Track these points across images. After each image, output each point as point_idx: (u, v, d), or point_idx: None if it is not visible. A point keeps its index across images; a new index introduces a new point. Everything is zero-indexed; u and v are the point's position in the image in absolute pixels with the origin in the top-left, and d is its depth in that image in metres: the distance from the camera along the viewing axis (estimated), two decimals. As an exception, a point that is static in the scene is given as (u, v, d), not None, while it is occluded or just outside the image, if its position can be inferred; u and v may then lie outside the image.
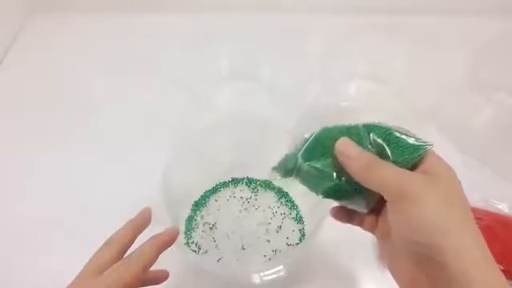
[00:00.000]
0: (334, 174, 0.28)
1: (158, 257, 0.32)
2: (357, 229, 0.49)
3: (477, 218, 0.48)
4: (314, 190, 0.31)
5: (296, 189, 0.50)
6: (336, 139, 0.28)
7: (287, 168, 0.31)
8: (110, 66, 0.67)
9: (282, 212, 0.49)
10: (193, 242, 0.46)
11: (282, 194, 0.50)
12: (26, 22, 0.75)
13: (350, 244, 0.47)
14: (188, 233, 0.47)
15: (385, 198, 0.27)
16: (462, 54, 0.64)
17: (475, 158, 0.54)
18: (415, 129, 0.59)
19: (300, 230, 0.47)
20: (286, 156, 0.32)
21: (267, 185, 0.51)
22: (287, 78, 0.64)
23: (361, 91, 0.62)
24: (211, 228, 0.48)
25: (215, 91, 0.63)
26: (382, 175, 0.26)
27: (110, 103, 0.62)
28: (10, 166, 0.56)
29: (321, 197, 0.30)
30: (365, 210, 0.30)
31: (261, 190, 0.51)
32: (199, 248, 0.46)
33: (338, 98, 0.61)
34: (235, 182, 0.52)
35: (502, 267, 0.44)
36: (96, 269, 0.31)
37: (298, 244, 0.46)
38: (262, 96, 0.62)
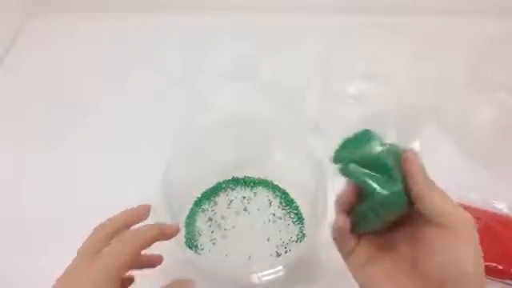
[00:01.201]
0: (400, 177, 0.29)
1: (153, 242, 0.32)
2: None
3: (476, 218, 0.49)
4: (367, 184, 0.30)
5: (297, 188, 0.50)
6: (400, 153, 0.30)
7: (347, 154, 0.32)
8: (110, 66, 0.67)
9: (282, 212, 0.49)
10: (192, 242, 0.46)
11: (282, 194, 0.50)
12: (25, 22, 0.75)
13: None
14: (188, 232, 0.47)
15: (433, 217, 0.28)
16: (462, 53, 0.64)
17: (475, 158, 0.55)
18: (415, 128, 0.59)
19: (300, 230, 0.47)
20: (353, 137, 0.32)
21: (267, 184, 0.51)
22: (287, 78, 0.64)
23: (361, 91, 0.62)
24: (211, 228, 0.48)
25: (215, 91, 0.63)
26: (443, 194, 0.29)
27: (110, 103, 0.62)
28: (10, 165, 0.56)
29: (371, 192, 0.30)
30: (379, 226, 0.31)
31: (261, 190, 0.51)
32: (199, 248, 0.46)
33: (338, 97, 0.61)
34: (235, 181, 0.52)
35: (500, 267, 0.45)
36: (93, 250, 0.31)
37: (297, 244, 0.46)
38: (261, 96, 0.62)
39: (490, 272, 0.44)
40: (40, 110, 0.62)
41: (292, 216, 0.49)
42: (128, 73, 0.66)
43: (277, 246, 0.46)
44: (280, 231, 0.47)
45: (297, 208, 0.49)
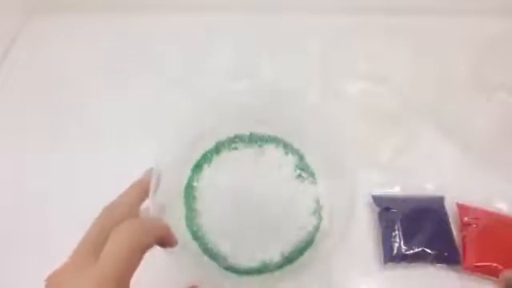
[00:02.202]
0: None
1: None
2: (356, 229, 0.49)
3: (476, 218, 0.49)
4: None
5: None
6: None
7: None
8: (110, 65, 0.67)
9: (296, 174, 0.43)
10: (192, 221, 0.41)
11: (295, 153, 0.44)
12: (26, 22, 0.75)
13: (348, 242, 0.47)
14: (187, 209, 0.42)
15: None
16: (463, 53, 0.64)
17: (475, 158, 0.55)
18: (415, 129, 0.59)
19: (316, 200, 0.41)
20: None
21: (278, 142, 0.45)
22: (287, 78, 0.64)
23: (361, 91, 0.62)
24: (212, 197, 0.42)
25: (215, 91, 0.63)
26: None
27: (110, 103, 0.62)
28: (10, 165, 0.56)
29: None
30: None
31: (270, 149, 0.44)
32: (200, 227, 0.41)
33: (338, 97, 0.61)
34: (239, 138, 0.45)
35: (501, 267, 0.45)
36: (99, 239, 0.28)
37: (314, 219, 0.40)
38: (261, 96, 0.62)
39: (490, 272, 0.44)
40: (40, 109, 0.62)
41: (306, 178, 0.43)
42: (128, 73, 0.65)
43: (294, 221, 0.41)
44: (292, 202, 0.41)
45: (309, 168, 0.43)
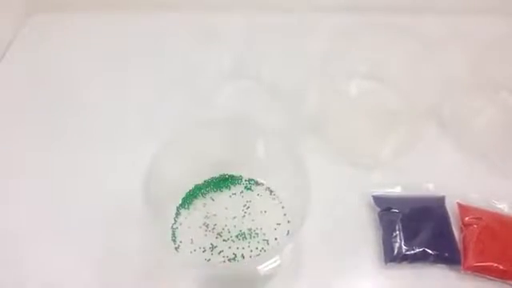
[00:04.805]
0: None
1: None
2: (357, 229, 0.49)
3: (477, 218, 0.49)
4: None
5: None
6: None
7: None
8: (110, 65, 0.67)
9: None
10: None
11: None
12: (26, 22, 0.75)
13: (340, 237, 0.47)
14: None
15: None
16: (463, 53, 0.64)
17: (476, 158, 0.54)
18: (415, 128, 0.59)
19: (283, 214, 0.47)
20: None
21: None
22: (287, 78, 0.64)
23: (361, 91, 0.62)
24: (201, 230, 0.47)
25: (215, 91, 0.63)
26: None
27: (110, 103, 0.62)
28: (10, 165, 0.56)
29: None
30: None
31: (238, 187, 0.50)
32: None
33: (338, 98, 0.61)
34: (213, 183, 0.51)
35: (501, 267, 0.45)
36: None
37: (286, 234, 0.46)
38: (261, 96, 0.62)
39: (491, 272, 0.44)
40: (39, 109, 0.62)
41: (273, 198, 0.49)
42: (128, 72, 0.65)
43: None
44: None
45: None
